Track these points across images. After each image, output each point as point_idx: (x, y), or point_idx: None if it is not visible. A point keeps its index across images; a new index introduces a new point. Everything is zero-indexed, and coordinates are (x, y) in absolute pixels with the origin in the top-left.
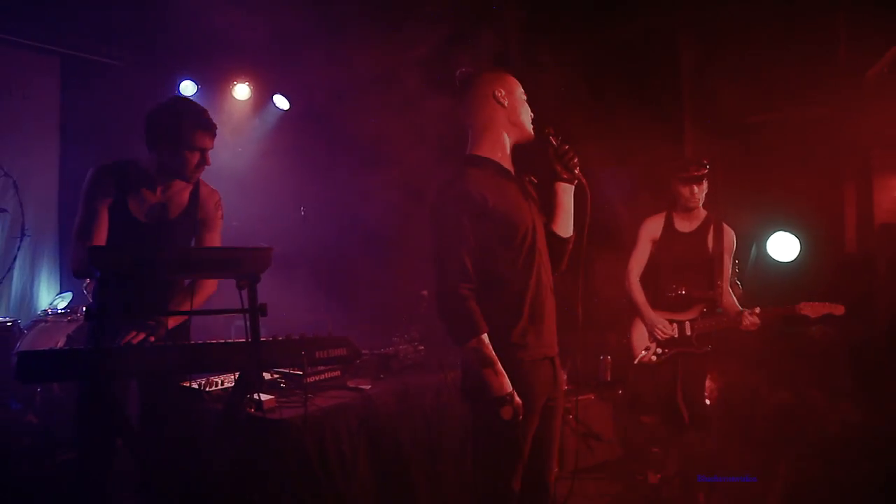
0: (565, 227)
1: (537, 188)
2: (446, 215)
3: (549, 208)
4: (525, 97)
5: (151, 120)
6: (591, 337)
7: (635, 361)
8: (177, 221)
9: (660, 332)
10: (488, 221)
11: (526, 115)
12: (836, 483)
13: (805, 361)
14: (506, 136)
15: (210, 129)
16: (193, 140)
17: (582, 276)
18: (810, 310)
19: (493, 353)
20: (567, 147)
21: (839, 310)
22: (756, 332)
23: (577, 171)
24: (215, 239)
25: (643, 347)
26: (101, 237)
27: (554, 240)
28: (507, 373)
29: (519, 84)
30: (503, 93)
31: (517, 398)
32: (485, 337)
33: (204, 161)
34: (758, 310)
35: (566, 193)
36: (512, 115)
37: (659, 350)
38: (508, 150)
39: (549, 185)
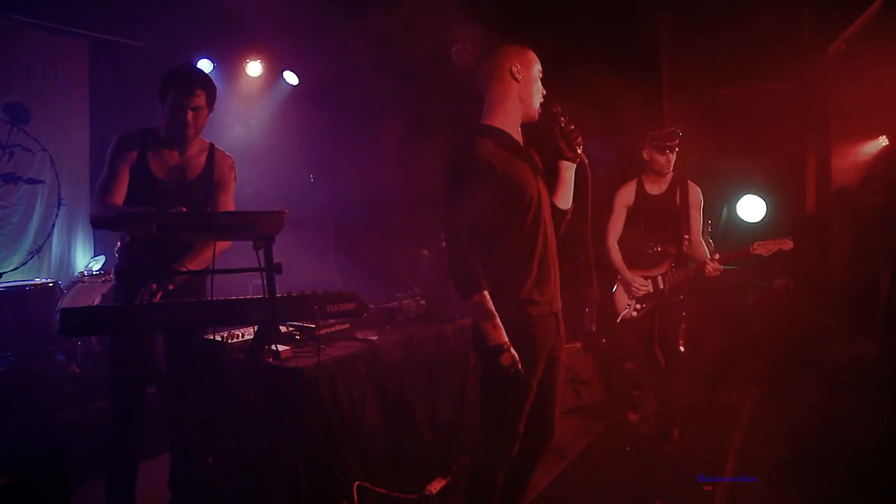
0: (565, 200)
1: (542, 160)
2: (457, 181)
3: (551, 182)
4: (540, 75)
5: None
6: (576, 292)
7: (618, 319)
8: (194, 183)
9: (636, 290)
10: (497, 188)
11: (537, 94)
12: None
13: (769, 311)
14: (517, 109)
15: (185, 86)
16: (171, 97)
17: (590, 242)
18: (762, 248)
19: (493, 307)
20: (573, 127)
21: (788, 244)
22: (722, 283)
23: (579, 151)
24: (229, 199)
25: (624, 305)
26: (119, 195)
27: (554, 210)
28: (516, 326)
29: (537, 61)
30: (518, 67)
31: (513, 349)
32: (486, 293)
33: (197, 120)
34: (717, 255)
35: (568, 170)
36: (523, 91)
37: (638, 306)
38: (519, 123)
39: (553, 160)
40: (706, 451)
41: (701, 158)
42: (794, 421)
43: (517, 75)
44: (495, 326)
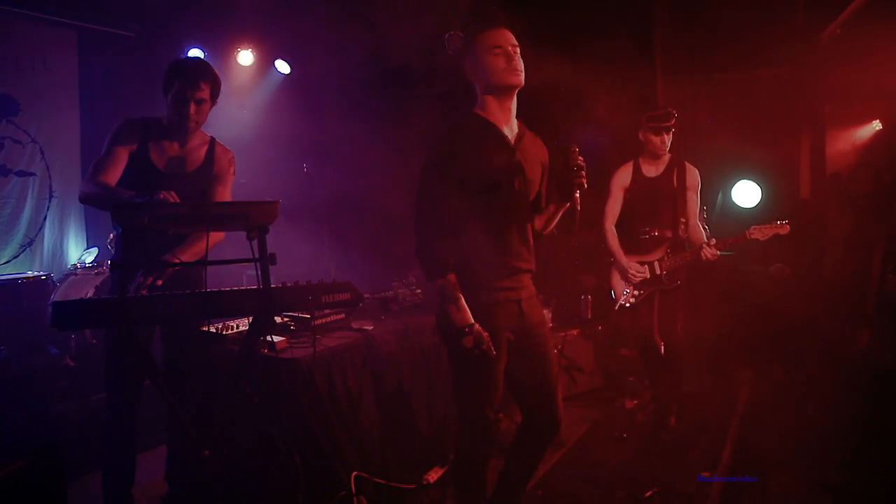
0: (545, 226)
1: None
2: (425, 167)
3: (536, 204)
4: (514, 47)
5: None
6: (573, 278)
7: (616, 307)
8: (193, 174)
9: (632, 276)
10: (462, 175)
11: (494, 67)
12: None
13: (764, 296)
14: (498, 90)
15: (190, 78)
16: (175, 88)
17: (570, 256)
18: (759, 233)
19: (458, 291)
20: (578, 166)
21: (784, 229)
22: (717, 268)
23: (576, 195)
24: (226, 192)
25: (622, 291)
26: (113, 176)
27: (533, 227)
28: (474, 312)
29: (485, 32)
30: (493, 48)
31: (478, 329)
32: (451, 277)
33: (199, 113)
34: (713, 241)
35: (558, 207)
36: (477, 68)
37: (636, 292)
38: (510, 104)
39: (551, 189)
40: (703, 438)
41: (695, 143)
42: (788, 409)
43: (496, 54)
44: (459, 308)
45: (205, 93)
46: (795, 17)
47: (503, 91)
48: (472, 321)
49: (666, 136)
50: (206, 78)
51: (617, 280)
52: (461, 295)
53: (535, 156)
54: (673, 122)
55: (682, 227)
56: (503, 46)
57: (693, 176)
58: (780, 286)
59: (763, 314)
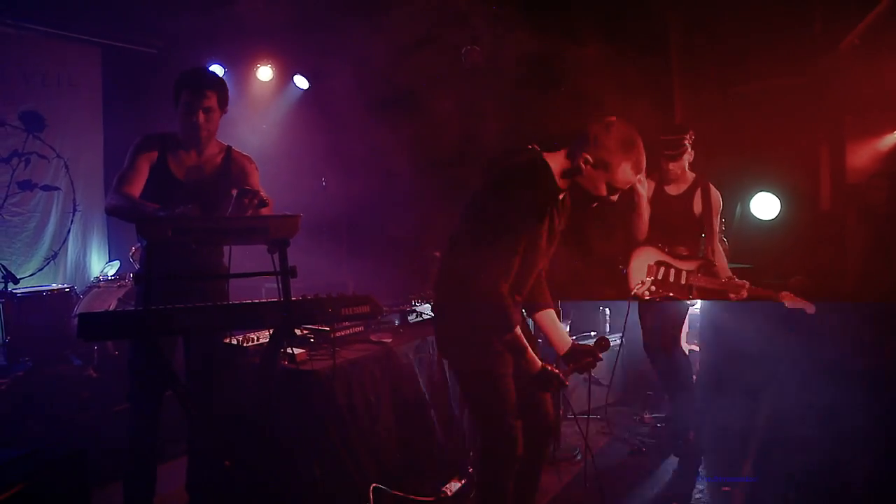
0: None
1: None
2: (514, 208)
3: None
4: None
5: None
6: (591, 290)
7: (631, 293)
8: (211, 180)
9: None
10: (535, 230)
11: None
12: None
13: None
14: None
15: (195, 88)
16: (182, 99)
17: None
18: (789, 300)
19: (524, 341)
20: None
21: (811, 308)
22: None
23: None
24: (255, 182)
25: (639, 280)
26: (137, 187)
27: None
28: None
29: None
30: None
31: (550, 370)
32: (518, 329)
33: (209, 122)
34: (747, 285)
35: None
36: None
37: (652, 287)
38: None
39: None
40: (721, 453)
41: (713, 156)
42: (809, 427)
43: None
44: (529, 360)
45: (211, 101)
46: (813, 27)
47: (588, 196)
48: (541, 364)
49: (680, 161)
50: (211, 86)
51: (635, 266)
52: (528, 346)
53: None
54: (682, 149)
55: (710, 250)
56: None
57: (716, 199)
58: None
59: (782, 328)
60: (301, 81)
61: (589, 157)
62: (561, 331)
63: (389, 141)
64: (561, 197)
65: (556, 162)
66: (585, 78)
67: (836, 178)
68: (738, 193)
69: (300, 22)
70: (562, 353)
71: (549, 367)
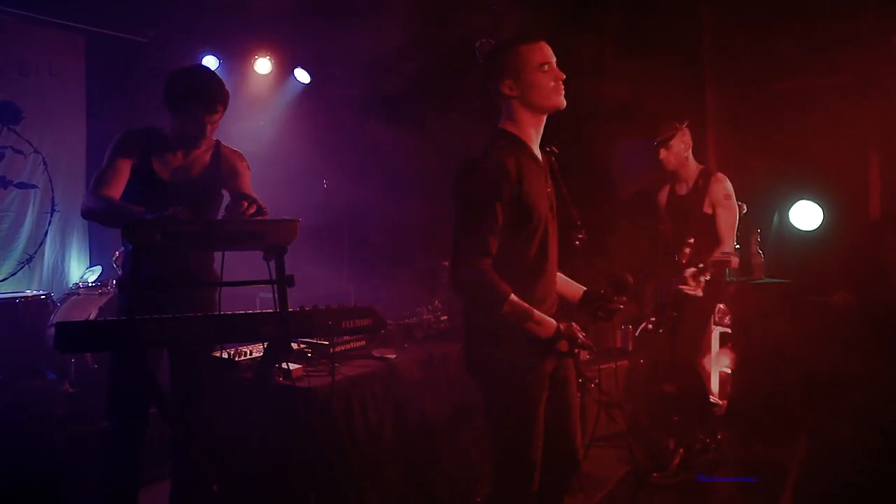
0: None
1: (558, 160)
2: (476, 190)
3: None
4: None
5: (168, 86)
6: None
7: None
8: (199, 179)
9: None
10: (515, 204)
11: (557, 85)
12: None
13: (828, 329)
14: (541, 110)
15: (208, 102)
16: (191, 109)
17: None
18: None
19: (526, 305)
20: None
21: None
22: (780, 302)
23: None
24: (247, 185)
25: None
26: (116, 189)
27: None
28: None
29: (549, 50)
30: (541, 64)
31: (566, 327)
32: (513, 296)
33: (213, 130)
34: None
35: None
36: (539, 83)
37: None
38: (541, 128)
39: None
40: (750, 486)
41: (748, 159)
42: (849, 473)
43: (509, 70)
44: (539, 322)
45: (221, 113)
46: (864, 21)
47: (544, 112)
48: (556, 323)
49: (663, 150)
50: (223, 100)
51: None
52: (532, 308)
53: (553, 186)
54: (663, 136)
55: (688, 248)
56: (550, 63)
57: (719, 189)
58: (846, 318)
59: (824, 355)
60: (302, 75)
61: (509, 82)
62: (570, 282)
63: (397, 140)
64: (540, 157)
65: (521, 121)
66: (609, 75)
67: (887, 184)
68: (777, 201)
69: (301, 11)
70: (576, 302)
71: (565, 326)
